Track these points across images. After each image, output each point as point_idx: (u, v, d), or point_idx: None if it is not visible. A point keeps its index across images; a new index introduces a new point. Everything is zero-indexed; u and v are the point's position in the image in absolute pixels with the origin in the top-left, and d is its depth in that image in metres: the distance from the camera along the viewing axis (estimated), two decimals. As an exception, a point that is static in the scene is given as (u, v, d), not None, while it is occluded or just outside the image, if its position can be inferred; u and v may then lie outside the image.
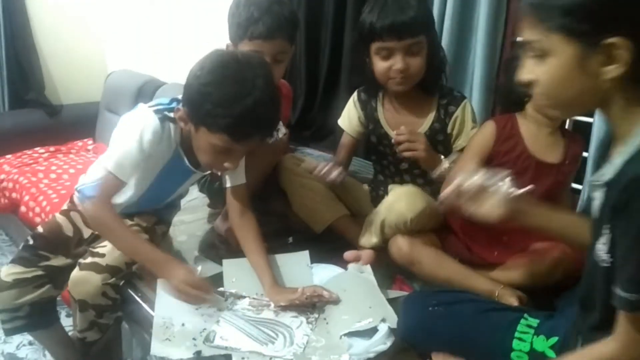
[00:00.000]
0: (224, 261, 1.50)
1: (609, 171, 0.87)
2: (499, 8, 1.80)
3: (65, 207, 1.60)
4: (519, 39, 1.11)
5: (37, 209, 2.35)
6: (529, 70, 0.95)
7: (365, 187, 1.82)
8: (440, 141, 1.62)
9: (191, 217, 1.76)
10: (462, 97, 1.62)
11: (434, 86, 1.61)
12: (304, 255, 1.54)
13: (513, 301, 1.28)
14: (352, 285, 1.37)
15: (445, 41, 1.85)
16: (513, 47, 1.88)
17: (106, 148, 1.42)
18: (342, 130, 1.77)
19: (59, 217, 1.56)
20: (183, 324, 1.25)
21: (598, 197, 0.91)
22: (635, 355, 0.86)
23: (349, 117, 1.74)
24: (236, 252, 1.50)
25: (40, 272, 1.46)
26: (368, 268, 1.46)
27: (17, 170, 2.62)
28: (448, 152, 1.62)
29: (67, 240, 1.51)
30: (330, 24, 2.27)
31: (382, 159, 1.73)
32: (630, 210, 0.80)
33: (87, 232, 1.54)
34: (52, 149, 2.88)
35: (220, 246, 1.65)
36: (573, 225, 1.09)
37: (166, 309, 1.30)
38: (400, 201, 1.45)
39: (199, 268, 1.42)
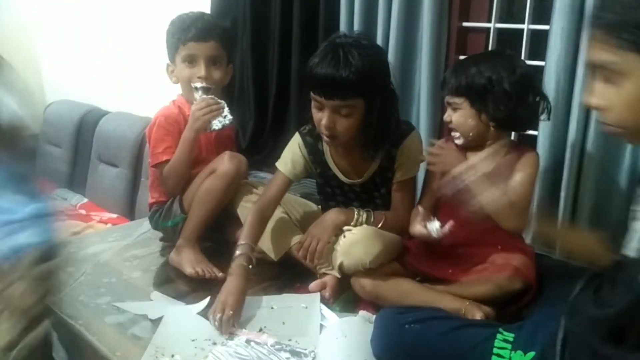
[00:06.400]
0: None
1: None
2: (441, 27, 1.85)
3: None
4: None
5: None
6: (600, 95, 0.88)
7: (318, 208, 1.77)
8: (391, 178, 1.57)
9: (143, 251, 1.69)
10: (409, 130, 1.54)
11: (372, 147, 1.50)
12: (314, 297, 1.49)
13: (480, 316, 1.28)
14: (353, 332, 1.32)
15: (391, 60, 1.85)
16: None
17: (49, 184, 1.37)
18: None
19: None
20: (173, 355, 1.23)
21: None
22: None
23: (293, 162, 1.60)
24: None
25: None
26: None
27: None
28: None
29: None
30: (277, 49, 2.26)
31: (330, 199, 1.66)
32: None
33: None
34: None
35: (177, 281, 1.59)
36: None
37: (164, 339, 1.29)
38: (356, 246, 1.41)
39: (166, 315, 1.38)
